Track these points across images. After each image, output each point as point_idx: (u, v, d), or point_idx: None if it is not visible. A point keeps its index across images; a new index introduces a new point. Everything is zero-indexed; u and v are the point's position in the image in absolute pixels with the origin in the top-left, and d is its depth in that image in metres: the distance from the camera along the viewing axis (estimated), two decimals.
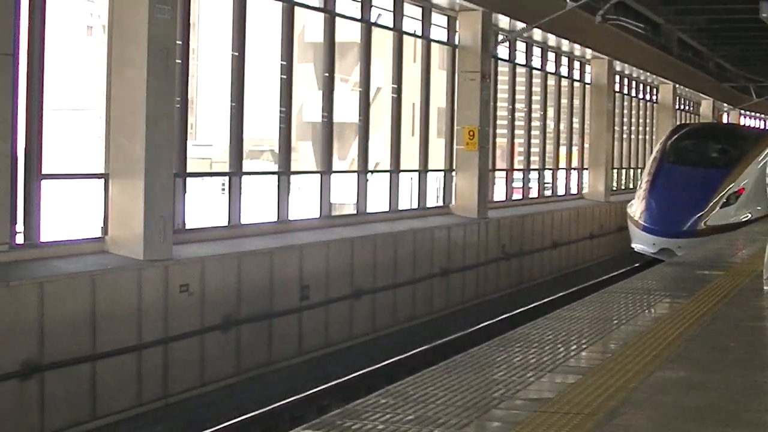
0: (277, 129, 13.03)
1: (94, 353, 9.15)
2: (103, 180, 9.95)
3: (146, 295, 9.75)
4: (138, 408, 9.64)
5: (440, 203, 17.34)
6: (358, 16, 14.53)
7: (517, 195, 20.90)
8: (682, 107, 34.96)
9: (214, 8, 15.35)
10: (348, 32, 15.04)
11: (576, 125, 24.80)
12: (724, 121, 41.37)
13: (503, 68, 19.94)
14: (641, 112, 30.82)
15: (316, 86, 21.76)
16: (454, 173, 17.28)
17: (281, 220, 12.78)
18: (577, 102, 24.71)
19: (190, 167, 11.41)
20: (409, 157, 16.44)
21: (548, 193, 22.85)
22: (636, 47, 25.13)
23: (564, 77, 23.53)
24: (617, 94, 27.07)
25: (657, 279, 10.15)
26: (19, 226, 9.02)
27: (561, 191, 23.62)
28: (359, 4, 14.46)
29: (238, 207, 11.92)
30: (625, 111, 28.91)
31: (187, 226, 11.16)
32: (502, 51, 19.51)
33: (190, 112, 11.68)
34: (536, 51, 21.55)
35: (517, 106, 20.82)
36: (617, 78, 26.96)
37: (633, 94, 29.51)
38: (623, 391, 5.22)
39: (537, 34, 20.13)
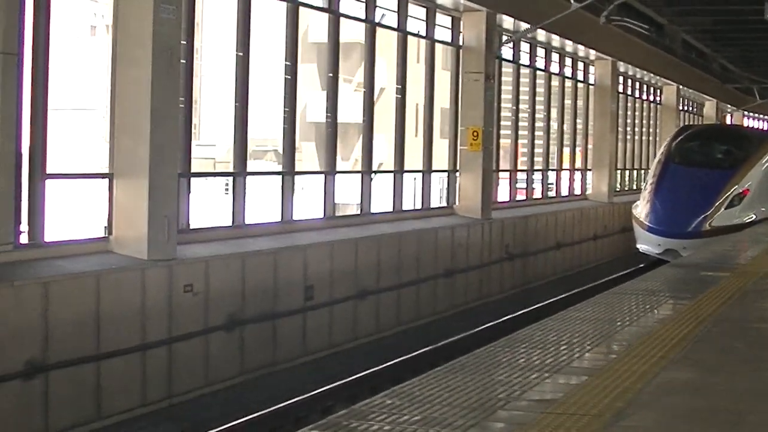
0: (280, 129, 13.03)
1: (99, 353, 9.15)
2: (107, 180, 9.95)
3: (150, 295, 9.74)
4: (142, 408, 9.63)
5: (444, 204, 17.34)
6: (363, 17, 14.52)
7: (520, 196, 20.90)
8: (685, 108, 34.94)
9: (219, 8, 15.34)
10: (350, 32, 15.04)
11: (579, 126, 24.79)
12: (728, 122, 41.36)
13: (507, 69, 19.93)
14: (645, 113, 30.80)
15: (319, 86, 21.78)
16: (457, 174, 17.26)
17: (285, 220, 12.77)
18: (580, 103, 24.70)
19: (194, 167, 11.41)
20: (413, 158, 16.43)
21: (552, 194, 22.83)
22: (640, 48, 25.11)
23: (568, 78, 23.52)
24: (621, 95, 27.05)
25: (661, 280, 10.12)
26: (24, 226, 9.02)
27: (564, 192, 23.61)
28: (363, 4, 14.45)
29: (242, 207, 11.91)
30: (629, 112, 28.89)
31: (191, 226, 11.15)
32: (506, 52, 19.50)
33: (193, 112, 11.66)
34: (540, 52, 21.54)
35: (521, 106, 20.81)
36: (621, 79, 26.94)
37: (636, 95, 29.49)
38: (630, 393, 5.19)
39: (541, 34, 20.12)
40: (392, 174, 15.70)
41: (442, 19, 16.85)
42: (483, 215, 17.12)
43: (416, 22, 16.11)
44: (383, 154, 17.05)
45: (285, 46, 12.88)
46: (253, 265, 11.23)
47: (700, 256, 12.81)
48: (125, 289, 9.48)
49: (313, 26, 22.03)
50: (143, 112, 9.80)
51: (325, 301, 12.52)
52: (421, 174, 16.59)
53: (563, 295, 17.15)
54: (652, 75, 28.90)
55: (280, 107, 12.97)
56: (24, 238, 9.03)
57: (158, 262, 9.88)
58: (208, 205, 13.10)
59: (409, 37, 15.90)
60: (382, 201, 15.38)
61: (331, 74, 13.95)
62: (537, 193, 21.87)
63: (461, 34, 17.18)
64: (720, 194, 19.60)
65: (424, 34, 16.45)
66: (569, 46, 22.26)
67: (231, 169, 12.12)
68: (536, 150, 21.80)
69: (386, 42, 15.73)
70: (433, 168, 16.80)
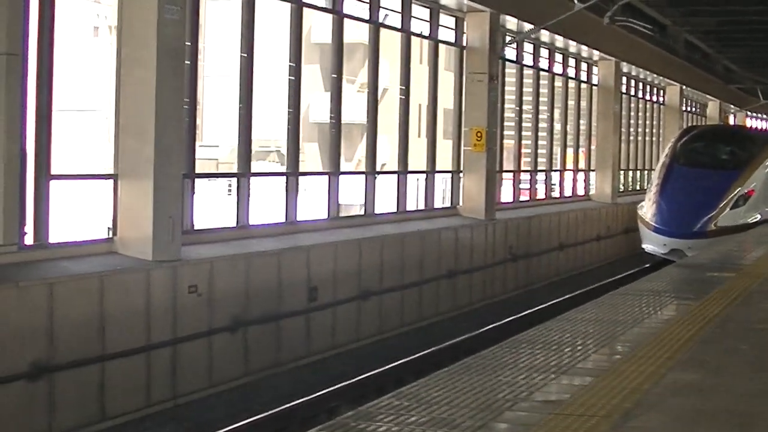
0: (283, 130, 13.02)
1: (103, 354, 9.14)
2: (112, 181, 9.94)
3: (155, 296, 9.74)
4: (147, 409, 9.63)
5: (447, 205, 17.32)
6: (366, 17, 14.51)
7: (524, 196, 20.89)
8: (688, 109, 34.92)
9: (223, 9, 15.35)
10: (353, 33, 15.03)
11: (583, 127, 24.77)
12: (731, 122, 41.35)
13: (510, 70, 19.92)
14: (648, 114, 30.78)
15: (321, 87, 21.78)
16: (461, 174, 17.25)
17: (289, 221, 12.76)
18: (584, 103, 24.68)
19: (197, 168, 11.39)
20: (416, 159, 16.42)
21: (555, 194, 22.82)
22: (643, 49, 25.10)
23: (571, 78, 23.51)
24: (624, 96, 27.04)
25: (666, 281, 10.12)
26: (29, 227, 9.01)
27: (568, 193, 23.59)
28: (367, 5, 14.44)
29: (246, 208, 11.91)
30: (632, 113, 28.87)
31: (196, 227, 11.15)
32: (510, 52, 19.49)
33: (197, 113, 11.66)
34: (543, 52, 21.52)
35: (525, 107, 20.79)
36: (624, 79, 26.92)
37: (640, 95, 29.47)
38: (637, 393, 5.19)
39: (544, 35, 20.10)
40: (396, 175, 15.69)
41: (446, 20, 16.84)
42: (486, 216, 17.11)
43: (420, 23, 16.10)
44: (386, 154, 17.04)
45: (289, 46, 12.88)
46: (258, 266, 11.22)
47: (705, 256, 12.81)
48: (130, 290, 9.48)
49: (316, 27, 22.03)
50: (148, 113, 9.79)
51: (328, 301, 12.51)
52: (424, 175, 16.58)
53: (567, 296, 17.13)
54: (655, 75, 28.88)
55: (283, 108, 12.97)
56: (29, 239, 9.03)
57: (163, 263, 9.88)
58: (210, 207, 13.12)
59: (413, 38, 15.89)
60: (385, 202, 15.37)
61: (335, 75, 13.94)
62: (540, 194, 21.86)
63: (465, 35, 17.17)
64: (725, 195, 19.67)
65: (427, 35, 16.43)
66: (573, 46, 22.25)
67: (234, 170, 12.11)
68: (540, 151, 21.79)
69: (390, 43, 15.72)
70: (437, 169, 16.79)
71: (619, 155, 25.75)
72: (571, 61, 23.37)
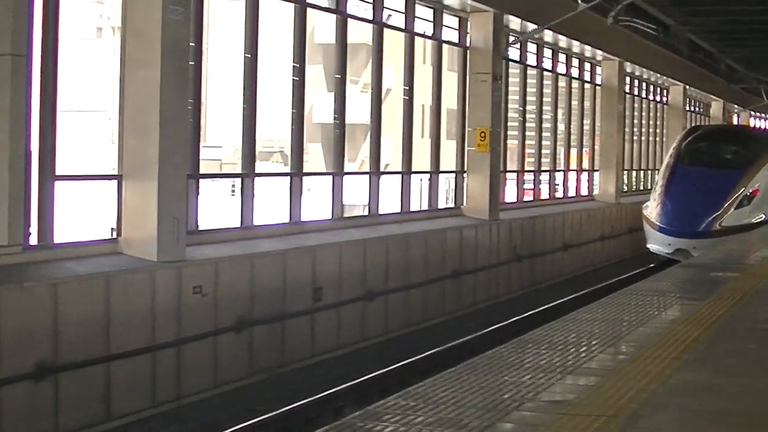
0: (287, 130, 13.02)
1: (108, 354, 9.14)
2: (116, 181, 9.94)
3: (160, 296, 9.74)
4: (151, 409, 9.63)
5: (451, 205, 17.31)
6: (370, 18, 14.51)
7: (528, 197, 20.88)
8: (692, 109, 34.89)
9: (226, 9, 15.35)
10: (357, 33, 15.02)
11: (586, 126, 24.77)
12: (734, 122, 41.31)
13: (514, 70, 19.91)
14: (651, 114, 30.76)
15: (325, 87, 21.78)
16: (465, 175, 17.24)
17: (293, 221, 12.75)
18: (587, 103, 24.67)
19: (201, 169, 11.38)
20: (420, 159, 16.41)
21: (559, 194, 22.81)
22: (647, 49, 25.07)
23: (575, 78, 23.49)
24: (628, 96, 27.02)
25: (672, 281, 10.10)
26: (33, 227, 9.01)
27: (572, 193, 23.58)
28: (370, 5, 14.44)
29: (251, 208, 11.91)
30: (636, 112, 28.85)
31: (200, 228, 11.14)
32: (513, 52, 19.48)
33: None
34: (547, 52, 21.51)
35: (528, 107, 20.78)
36: (628, 79, 26.91)
37: (643, 95, 29.45)
38: (644, 394, 5.17)
39: (548, 35, 20.09)
40: (400, 175, 15.68)
41: (449, 20, 16.83)
42: (491, 216, 17.10)
43: (423, 23, 16.10)
44: (390, 155, 17.02)
45: (292, 47, 12.87)
46: (262, 266, 11.22)
47: (710, 256, 12.79)
48: (134, 291, 9.48)
49: (319, 27, 22.03)
50: (152, 113, 9.79)
51: (333, 302, 12.51)
52: (428, 175, 16.57)
53: (572, 296, 17.12)
54: (658, 75, 28.86)
55: (286, 108, 12.96)
56: (33, 240, 9.03)
57: (167, 264, 9.87)
58: (214, 207, 13.10)
59: (416, 38, 15.88)
60: (389, 202, 15.36)
61: (338, 75, 13.93)
62: (544, 194, 21.85)
63: (468, 35, 17.16)
64: (730, 195, 19.69)
65: (431, 35, 16.43)
66: (576, 46, 22.24)
67: (237, 171, 12.10)
68: (543, 151, 21.77)
69: (393, 43, 15.72)
70: (441, 169, 16.78)
71: (622, 155, 25.74)
72: (575, 61, 23.36)
